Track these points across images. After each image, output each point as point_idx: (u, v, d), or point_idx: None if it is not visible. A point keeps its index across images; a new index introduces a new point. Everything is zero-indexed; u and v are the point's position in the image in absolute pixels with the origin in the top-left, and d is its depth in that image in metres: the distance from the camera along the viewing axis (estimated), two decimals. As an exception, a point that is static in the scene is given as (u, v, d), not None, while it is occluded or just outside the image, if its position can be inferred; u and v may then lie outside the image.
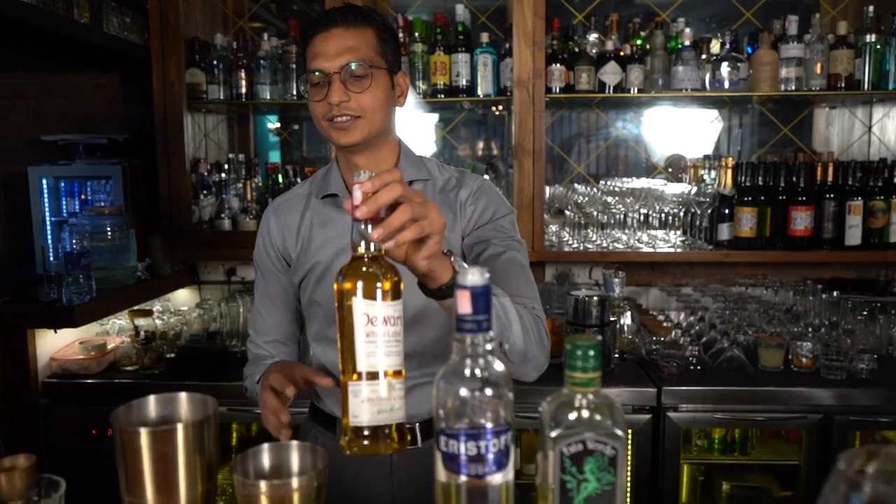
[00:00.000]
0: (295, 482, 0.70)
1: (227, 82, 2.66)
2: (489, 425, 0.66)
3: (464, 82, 2.59)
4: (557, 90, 2.53)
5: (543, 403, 0.70)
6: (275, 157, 3.20)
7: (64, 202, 2.73)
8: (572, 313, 2.19)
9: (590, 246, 2.62)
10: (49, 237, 2.68)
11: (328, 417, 1.45)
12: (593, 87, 2.55)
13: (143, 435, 0.68)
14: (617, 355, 2.30)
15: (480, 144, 3.11)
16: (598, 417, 0.67)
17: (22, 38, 2.43)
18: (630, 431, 2.09)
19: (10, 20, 2.03)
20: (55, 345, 2.33)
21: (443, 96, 2.61)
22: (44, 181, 2.68)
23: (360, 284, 0.82)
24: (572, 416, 0.68)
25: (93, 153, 2.76)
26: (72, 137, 2.78)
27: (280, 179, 2.75)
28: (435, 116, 3.03)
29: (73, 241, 2.20)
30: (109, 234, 2.41)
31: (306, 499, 0.70)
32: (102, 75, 2.96)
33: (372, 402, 0.81)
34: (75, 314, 2.17)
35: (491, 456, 0.66)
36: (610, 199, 2.65)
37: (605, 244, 2.63)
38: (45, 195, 2.69)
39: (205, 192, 2.73)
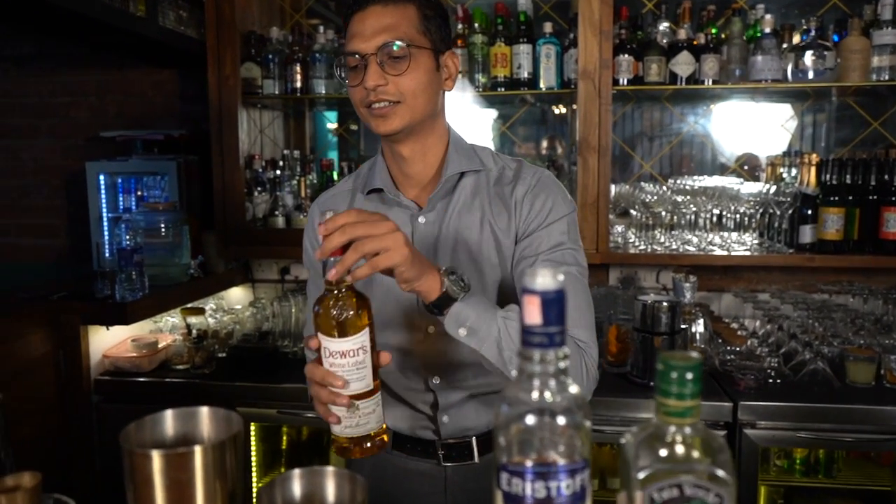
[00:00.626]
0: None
1: (283, 77, 2.59)
2: (562, 462, 0.54)
3: (525, 74, 2.46)
4: (625, 82, 2.38)
5: (627, 435, 0.58)
6: (332, 154, 3.14)
7: (121, 198, 2.72)
8: (640, 319, 2.05)
9: (657, 248, 2.46)
10: (105, 233, 2.67)
11: None
12: (664, 78, 2.39)
13: (156, 458, 0.59)
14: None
15: (543, 143, 2.98)
16: (696, 455, 0.55)
17: (80, 33, 2.42)
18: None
19: (66, 12, 2.01)
20: (108, 342, 2.30)
21: (503, 89, 2.49)
22: (101, 177, 2.67)
23: (318, 322, 0.96)
24: (664, 452, 0.55)
25: (149, 149, 2.74)
26: (129, 133, 2.77)
27: (335, 177, 2.67)
28: (493, 112, 2.91)
29: (127, 238, 2.17)
30: (163, 230, 2.37)
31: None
32: (160, 71, 2.95)
33: (342, 419, 0.98)
34: (127, 311, 2.14)
35: (563, 500, 0.54)
36: (680, 198, 2.48)
37: (674, 246, 2.46)
38: (103, 191, 2.68)
39: (259, 189, 2.68)
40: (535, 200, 1.26)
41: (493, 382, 1.27)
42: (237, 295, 2.86)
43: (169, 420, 0.67)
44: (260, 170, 2.67)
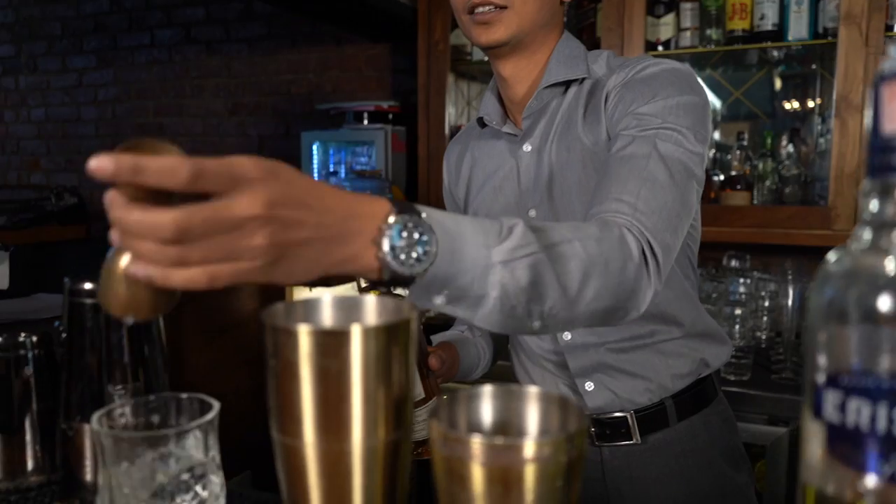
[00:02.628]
0: (530, 446, 0.41)
1: (493, 41, 2.47)
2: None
3: (770, 26, 2.11)
4: (902, 27, 1.96)
5: None
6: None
7: (332, 167, 2.75)
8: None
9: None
10: (316, 202, 2.72)
11: None
12: (956, 21, 1.93)
13: (304, 338, 0.44)
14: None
15: (785, 105, 2.57)
16: None
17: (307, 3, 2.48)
18: None
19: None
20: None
21: (741, 44, 2.16)
22: (314, 147, 2.73)
23: None
24: None
25: (360, 120, 2.76)
26: (342, 105, 2.81)
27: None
28: (721, 73, 2.57)
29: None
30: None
31: (548, 478, 0.41)
32: (374, 46, 2.96)
33: None
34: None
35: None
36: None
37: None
38: (315, 160, 2.73)
39: (464, 160, 2.58)
40: (625, 91, 0.95)
41: (649, 340, 1.03)
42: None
43: (327, 306, 0.52)
44: (466, 140, 2.57)
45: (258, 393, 2.23)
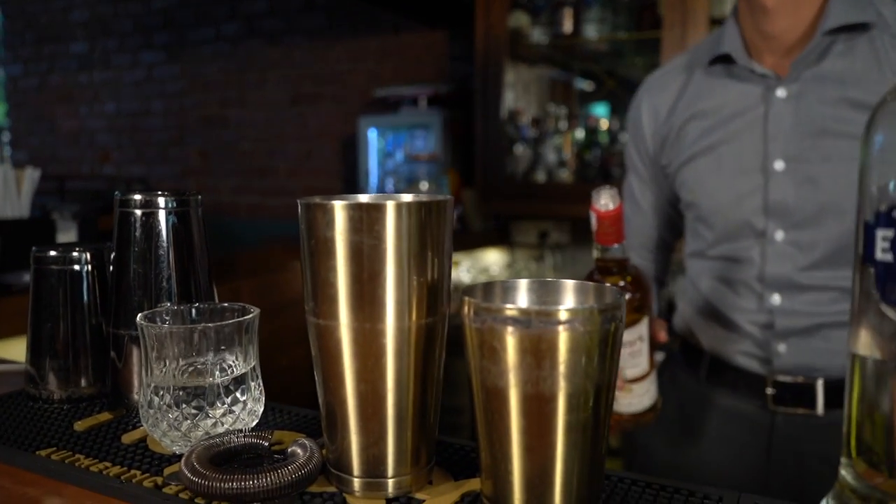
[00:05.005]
0: (563, 314, 0.39)
1: (552, 23, 2.44)
2: None
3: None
4: None
5: None
6: (600, 110, 2.92)
7: (389, 151, 2.78)
8: None
9: None
10: (374, 186, 2.74)
11: (694, 353, 1.08)
12: None
13: (338, 212, 0.43)
14: None
15: None
16: None
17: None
18: None
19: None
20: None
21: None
22: (372, 131, 2.75)
23: None
24: None
25: (417, 106, 2.77)
26: (400, 91, 2.83)
27: (602, 135, 2.46)
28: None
29: (391, 187, 2.17)
30: (423, 179, 2.35)
31: (580, 349, 0.39)
32: (432, 33, 2.97)
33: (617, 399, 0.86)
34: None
35: None
36: None
37: None
38: (373, 145, 2.76)
39: (520, 145, 2.56)
40: None
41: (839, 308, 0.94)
42: (493, 257, 2.77)
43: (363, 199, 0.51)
44: (522, 126, 2.55)
45: (311, 369, 2.25)
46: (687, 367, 1.09)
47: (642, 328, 0.83)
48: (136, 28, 3.79)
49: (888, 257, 0.29)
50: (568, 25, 2.41)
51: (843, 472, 0.34)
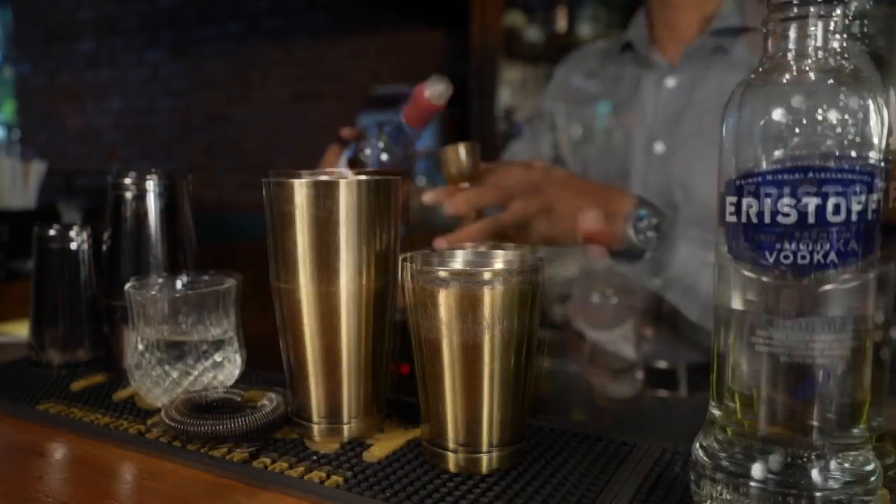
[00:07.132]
0: (487, 274, 0.45)
1: (546, 21, 2.50)
2: (831, 163, 0.34)
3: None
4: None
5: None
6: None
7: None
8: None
9: None
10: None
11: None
12: None
13: (298, 188, 0.49)
14: None
15: None
16: None
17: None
18: None
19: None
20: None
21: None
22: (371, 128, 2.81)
23: None
24: None
25: (414, 103, 2.83)
26: (399, 89, 2.88)
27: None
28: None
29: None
30: (419, 174, 2.41)
31: (505, 302, 0.45)
32: (432, 32, 3.03)
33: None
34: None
35: (837, 225, 0.33)
36: None
37: None
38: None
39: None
40: None
41: None
42: (489, 251, 2.82)
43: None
44: (518, 123, 2.61)
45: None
46: None
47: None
48: (142, 27, 3.86)
49: (733, 219, 0.35)
50: (562, 24, 2.46)
51: (711, 411, 0.40)
